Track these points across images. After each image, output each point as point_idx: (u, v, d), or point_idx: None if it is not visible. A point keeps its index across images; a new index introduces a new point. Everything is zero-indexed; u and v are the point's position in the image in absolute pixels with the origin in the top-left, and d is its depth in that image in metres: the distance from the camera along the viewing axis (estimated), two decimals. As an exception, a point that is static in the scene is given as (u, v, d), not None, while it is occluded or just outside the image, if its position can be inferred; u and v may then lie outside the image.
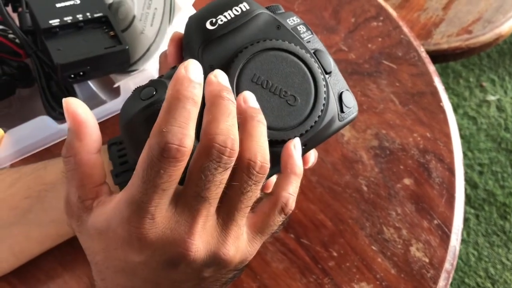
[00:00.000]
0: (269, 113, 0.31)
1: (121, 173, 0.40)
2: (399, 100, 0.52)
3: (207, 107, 0.27)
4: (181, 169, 0.26)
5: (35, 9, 0.50)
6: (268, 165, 0.28)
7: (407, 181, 0.47)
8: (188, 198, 0.27)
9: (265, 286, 0.44)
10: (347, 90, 0.35)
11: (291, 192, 0.31)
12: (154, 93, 0.29)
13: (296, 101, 0.32)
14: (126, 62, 0.52)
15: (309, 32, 0.35)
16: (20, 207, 0.42)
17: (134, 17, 0.53)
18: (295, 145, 0.32)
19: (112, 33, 0.51)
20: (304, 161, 0.37)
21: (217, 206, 0.28)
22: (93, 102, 0.52)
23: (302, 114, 0.32)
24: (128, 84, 0.51)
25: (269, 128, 0.30)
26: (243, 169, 0.28)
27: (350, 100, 0.35)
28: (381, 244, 0.45)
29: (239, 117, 0.28)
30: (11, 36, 0.53)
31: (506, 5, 0.78)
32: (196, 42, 0.32)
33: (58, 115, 0.51)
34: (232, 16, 0.32)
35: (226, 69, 0.30)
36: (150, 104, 0.29)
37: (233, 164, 0.27)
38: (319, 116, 0.32)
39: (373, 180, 0.48)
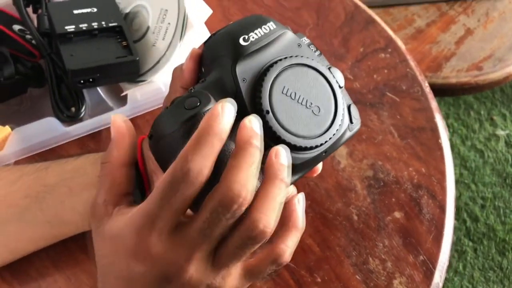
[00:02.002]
0: (298, 121, 0.33)
1: None
2: (399, 133, 0.52)
3: (234, 150, 0.29)
4: (194, 194, 0.28)
5: (53, 14, 0.52)
6: (270, 231, 0.29)
7: (397, 214, 0.48)
8: (193, 230, 0.29)
9: (248, 305, 0.44)
10: (352, 103, 0.38)
11: (289, 245, 0.32)
12: (198, 104, 0.31)
13: (320, 112, 0.34)
14: (135, 73, 0.53)
15: (318, 51, 0.38)
16: (19, 206, 0.44)
17: (148, 29, 0.55)
18: (299, 200, 0.33)
19: (124, 43, 0.53)
20: (315, 171, 0.38)
21: (217, 245, 0.30)
22: (100, 108, 0.54)
23: (326, 123, 0.34)
24: (135, 93, 0.53)
25: (297, 135, 0.33)
26: (245, 225, 0.29)
27: (356, 112, 0.38)
28: (365, 274, 0.45)
29: (266, 171, 0.30)
30: (28, 37, 0.55)
31: (518, 45, 0.79)
32: (229, 57, 0.34)
33: (65, 118, 0.52)
34: (262, 34, 0.34)
35: (259, 81, 0.33)
36: (195, 114, 0.30)
37: (242, 213, 0.29)
38: (339, 125, 0.34)
39: (364, 210, 0.48)
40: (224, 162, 0.30)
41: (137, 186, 0.44)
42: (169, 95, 0.39)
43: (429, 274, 0.45)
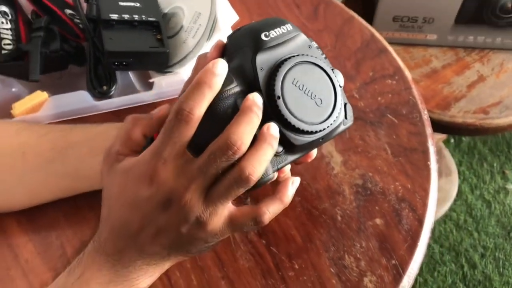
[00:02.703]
0: (303, 109, 0.39)
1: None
2: (392, 151, 0.57)
3: (239, 112, 0.36)
4: (189, 131, 0.35)
5: (101, 2, 0.59)
6: (254, 179, 0.36)
7: (378, 221, 0.52)
8: (194, 166, 0.36)
9: (228, 278, 0.49)
10: (348, 103, 0.44)
11: (270, 211, 0.39)
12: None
13: (322, 103, 0.40)
14: (164, 63, 0.59)
15: (324, 55, 0.43)
16: (44, 156, 0.50)
17: (181, 27, 0.61)
18: (293, 182, 0.41)
19: (159, 36, 0.60)
20: (310, 155, 0.45)
21: (211, 184, 0.36)
22: (128, 90, 0.60)
23: (325, 114, 0.40)
24: (161, 81, 0.59)
25: (301, 120, 0.39)
26: (235, 170, 0.36)
27: (350, 111, 0.44)
28: (340, 268, 0.49)
29: (258, 136, 0.36)
30: (76, 20, 0.62)
31: (527, 96, 0.83)
32: (250, 48, 0.39)
33: (96, 94, 0.59)
34: (280, 33, 0.40)
35: (274, 72, 0.39)
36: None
37: (235, 160, 0.35)
38: (336, 117, 0.40)
39: (348, 212, 0.53)
40: (224, 125, 0.36)
41: None
42: (191, 77, 0.45)
43: (398, 278, 0.49)
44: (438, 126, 0.80)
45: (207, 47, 0.58)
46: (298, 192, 0.54)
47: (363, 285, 0.49)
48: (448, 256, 1.21)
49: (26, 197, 0.51)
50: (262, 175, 0.38)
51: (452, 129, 0.80)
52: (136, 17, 0.59)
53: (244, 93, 0.38)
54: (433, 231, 0.51)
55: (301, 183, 0.55)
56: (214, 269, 0.50)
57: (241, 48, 0.40)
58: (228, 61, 0.42)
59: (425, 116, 0.60)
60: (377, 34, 0.68)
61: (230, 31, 0.59)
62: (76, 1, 0.62)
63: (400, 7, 0.83)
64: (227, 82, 0.37)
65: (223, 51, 0.43)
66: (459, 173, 1.33)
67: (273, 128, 0.37)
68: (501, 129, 0.81)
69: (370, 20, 0.87)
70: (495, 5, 0.80)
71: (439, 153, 1.33)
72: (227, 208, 0.38)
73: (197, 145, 0.36)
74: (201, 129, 0.37)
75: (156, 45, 0.59)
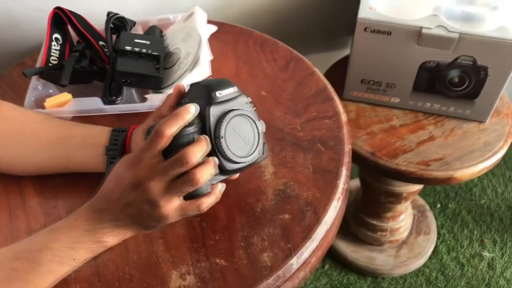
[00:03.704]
0: (236, 146, 0.58)
1: (111, 150, 0.68)
2: (313, 169, 0.74)
3: (196, 142, 0.55)
4: (162, 143, 0.54)
5: (122, 38, 0.82)
6: (202, 182, 0.54)
7: (286, 216, 0.68)
8: (161, 165, 0.54)
9: (165, 238, 0.67)
10: (265, 143, 0.62)
11: (208, 201, 0.58)
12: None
13: (249, 142, 0.59)
14: (158, 85, 0.81)
15: (254, 108, 0.62)
16: (52, 141, 0.70)
17: (177, 61, 0.83)
18: (222, 186, 0.59)
19: (157, 66, 0.81)
20: (234, 176, 0.66)
21: (170, 181, 0.55)
22: (129, 100, 0.82)
23: (250, 150, 0.59)
24: (153, 97, 0.80)
25: (234, 154, 0.57)
26: (189, 174, 0.54)
27: (266, 149, 0.62)
28: (248, 244, 0.66)
29: (207, 160, 0.56)
30: (106, 50, 0.86)
31: (467, 157, 0.96)
32: (205, 101, 0.58)
33: (106, 101, 0.81)
34: (228, 92, 0.59)
35: (220, 119, 0.57)
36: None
37: (188, 169, 0.54)
38: (257, 153, 0.60)
39: (266, 207, 0.69)
40: (187, 144, 0.55)
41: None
42: (160, 108, 0.65)
43: (289, 256, 0.64)
44: (385, 171, 0.95)
45: (189, 76, 0.79)
46: (235, 188, 0.72)
47: (261, 257, 0.64)
48: (414, 306, 1.30)
49: (36, 167, 0.72)
50: (204, 189, 0.57)
51: (396, 175, 0.95)
52: (144, 50, 0.81)
53: (199, 130, 0.56)
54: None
55: (237, 182, 0.73)
56: (156, 232, 0.67)
57: (199, 98, 0.58)
58: (189, 102, 0.60)
59: (347, 149, 0.76)
60: (329, 87, 0.86)
61: (207, 67, 0.80)
62: (108, 37, 0.85)
63: (366, 72, 1.01)
64: (191, 124, 0.56)
65: (185, 93, 0.63)
66: (439, 234, 1.43)
67: (216, 159, 0.56)
68: (439, 181, 0.94)
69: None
70: (444, 78, 0.96)
71: (423, 213, 1.44)
72: (179, 200, 0.56)
73: (167, 152, 0.55)
74: (172, 144, 0.55)
75: (153, 72, 0.80)
